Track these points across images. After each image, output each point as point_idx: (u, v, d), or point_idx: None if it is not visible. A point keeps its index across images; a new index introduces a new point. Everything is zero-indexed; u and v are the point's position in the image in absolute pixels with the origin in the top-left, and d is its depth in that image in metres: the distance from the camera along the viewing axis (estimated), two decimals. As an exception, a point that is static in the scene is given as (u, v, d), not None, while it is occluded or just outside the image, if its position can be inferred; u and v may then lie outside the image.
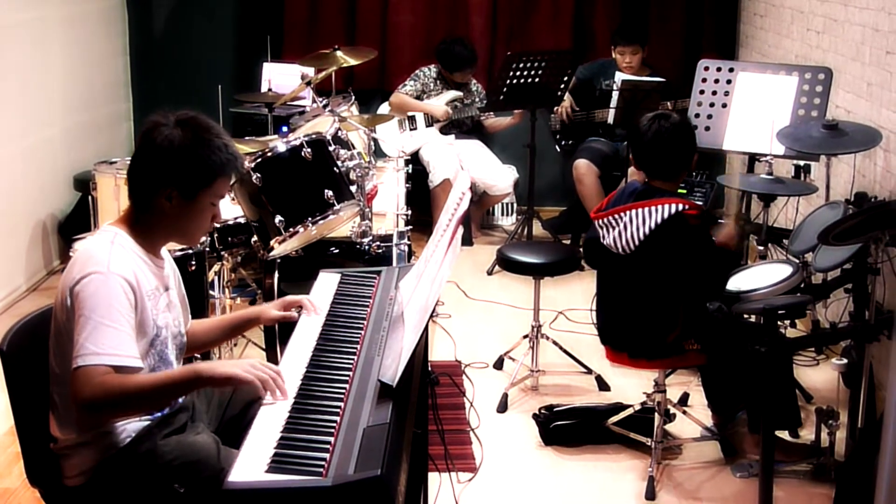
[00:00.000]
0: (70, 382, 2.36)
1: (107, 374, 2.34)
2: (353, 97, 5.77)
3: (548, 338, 4.72)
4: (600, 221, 3.76)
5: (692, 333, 3.74)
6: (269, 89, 6.62)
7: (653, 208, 3.62)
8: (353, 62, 5.35)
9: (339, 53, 5.24)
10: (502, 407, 4.41)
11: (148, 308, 2.51)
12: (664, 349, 3.76)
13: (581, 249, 4.25)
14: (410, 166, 5.41)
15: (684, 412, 4.11)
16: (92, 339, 2.35)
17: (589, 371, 4.64)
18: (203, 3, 7.30)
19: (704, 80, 4.90)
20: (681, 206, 3.61)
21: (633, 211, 3.65)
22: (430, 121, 6.67)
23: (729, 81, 4.86)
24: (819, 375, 4.70)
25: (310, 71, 5.20)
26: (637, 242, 3.64)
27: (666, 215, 3.60)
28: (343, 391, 2.41)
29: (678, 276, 3.69)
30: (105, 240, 2.52)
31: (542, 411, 4.18)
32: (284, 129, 5.91)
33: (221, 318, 3.37)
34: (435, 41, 6.88)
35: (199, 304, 4.07)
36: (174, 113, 2.58)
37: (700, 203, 5.26)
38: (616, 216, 3.69)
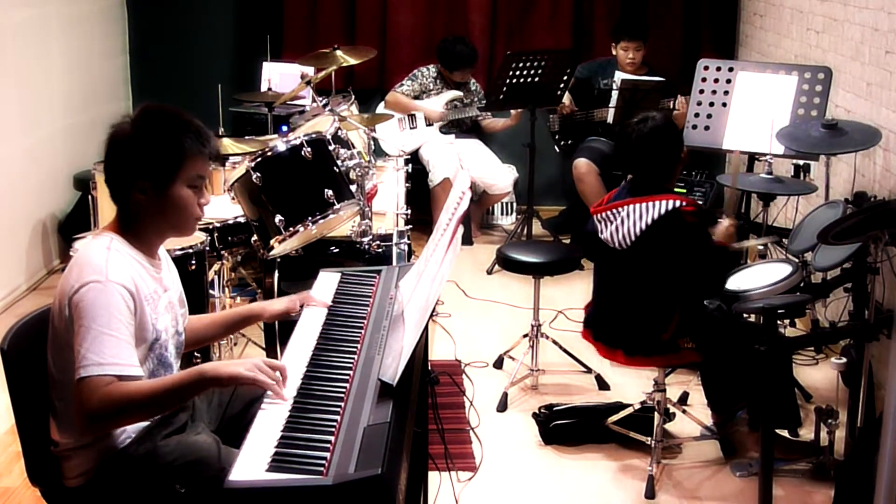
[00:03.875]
0: (75, 393, 2.35)
1: (110, 384, 2.34)
2: (353, 96, 5.76)
3: (547, 337, 4.72)
4: (599, 216, 3.78)
5: (688, 332, 3.75)
6: (269, 89, 6.62)
7: (650, 204, 3.63)
8: (352, 61, 5.34)
9: (338, 53, 5.24)
10: (502, 406, 4.42)
11: (147, 313, 2.50)
12: (660, 347, 3.77)
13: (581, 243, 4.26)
14: (410, 165, 5.42)
15: (684, 411, 4.11)
16: (94, 349, 2.34)
17: (589, 370, 4.65)
18: (203, 3, 7.30)
19: (704, 80, 4.90)
20: (678, 203, 3.63)
21: (631, 206, 3.67)
22: (430, 120, 6.67)
23: (728, 81, 4.86)
24: (818, 374, 4.71)
25: (310, 70, 5.20)
26: (633, 238, 3.65)
27: (663, 211, 3.62)
28: (343, 390, 2.42)
29: (674, 273, 3.70)
30: (101, 246, 2.50)
31: (542, 410, 4.19)
32: (284, 128, 5.92)
33: (222, 313, 3.36)
34: (435, 40, 6.88)
35: (198, 303, 4.07)
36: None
37: (700, 202, 5.25)
38: (614, 211, 3.71)
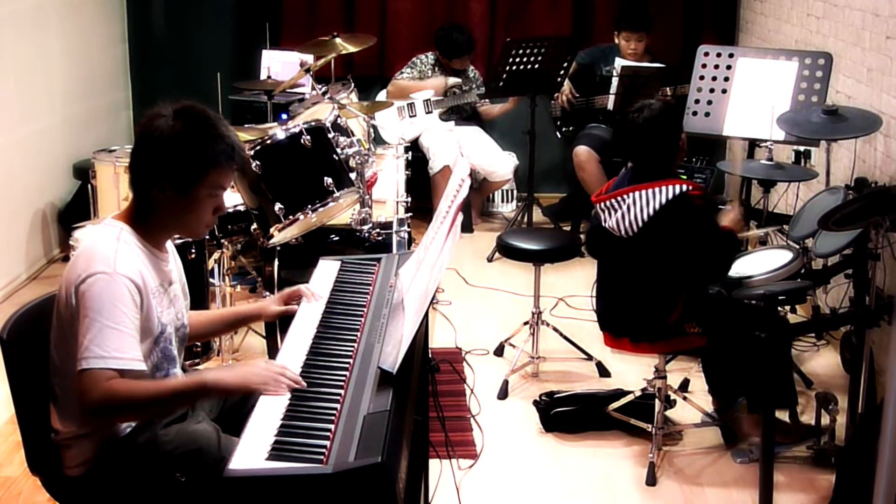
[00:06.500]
0: (76, 384, 2.35)
1: (113, 379, 2.34)
2: (353, 84, 5.76)
3: (548, 324, 4.72)
4: (602, 205, 3.76)
5: (693, 316, 3.74)
6: (269, 77, 6.61)
7: (657, 189, 3.61)
8: (352, 49, 5.33)
9: (338, 40, 5.23)
10: (503, 394, 4.42)
11: (153, 307, 2.50)
12: (665, 331, 3.76)
13: (583, 237, 4.24)
14: (410, 153, 5.41)
15: (685, 398, 4.11)
16: (97, 341, 2.34)
17: (589, 357, 4.65)
18: (202, -9, 7.29)
19: (704, 66, 4.89)
20: (684, 188, 3.61)
21: (636, 193, 3.64)
22: (430, 107, 6.66)
23: (729, 67, 4.85)
24: (819, 361, 4.71)
25: (309, 58, 5.19)
26: (640, 224, 3.63)
27: (670, 196, 3.60)
28: (343, 378, 2.41)
29: (681, 257, 3.69)
30: (110, 236, 2.50)
31: (543, 398, 4.18)
32: (284, 116, 5.90)
33: (223, 311, 3.39)
34: (434, 27, 6.86)
35: (199, 292, 4.07)
36: (175, 104, 2.54)
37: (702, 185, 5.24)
38: (618, 199, 3.69)
